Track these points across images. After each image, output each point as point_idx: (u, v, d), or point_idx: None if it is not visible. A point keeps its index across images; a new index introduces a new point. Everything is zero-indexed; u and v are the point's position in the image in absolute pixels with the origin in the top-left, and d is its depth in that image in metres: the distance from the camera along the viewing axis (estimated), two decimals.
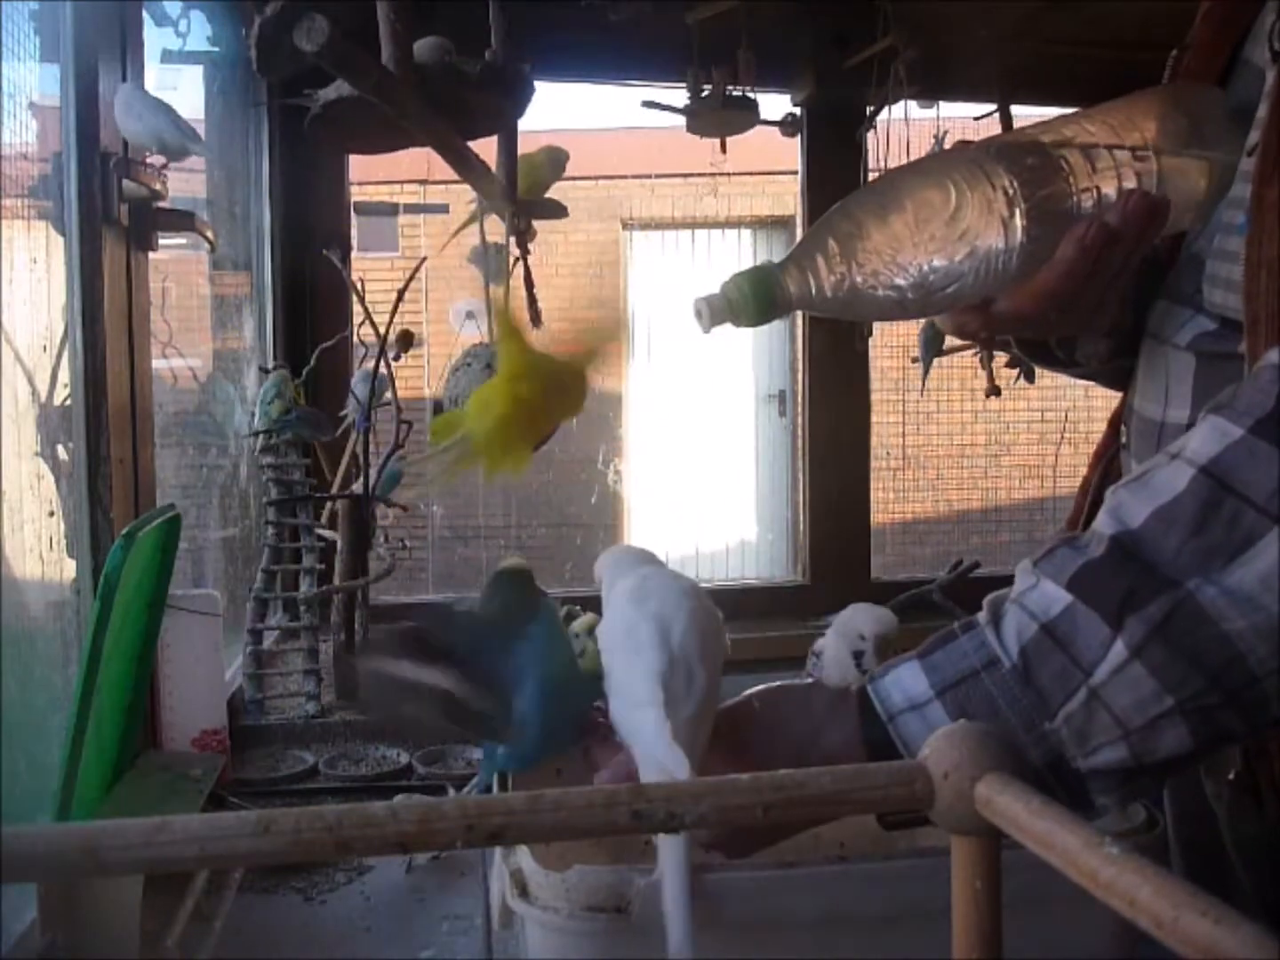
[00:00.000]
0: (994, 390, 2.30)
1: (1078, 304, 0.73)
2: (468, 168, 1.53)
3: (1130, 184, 0.70)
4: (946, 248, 0.68)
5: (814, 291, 0.68)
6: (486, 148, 1.66)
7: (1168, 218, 0.72)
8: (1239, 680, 0.56)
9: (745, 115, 2.09)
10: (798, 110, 2.38)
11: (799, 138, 2.40)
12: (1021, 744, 0.59)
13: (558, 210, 1.91)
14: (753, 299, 0.69)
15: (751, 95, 2.08)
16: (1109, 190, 0.70)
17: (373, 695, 0.85)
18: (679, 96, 2.12)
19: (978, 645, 0.63)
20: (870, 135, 2.34)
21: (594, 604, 2.38)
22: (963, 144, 0.74)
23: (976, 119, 2.37)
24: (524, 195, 1.80)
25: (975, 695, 0.61)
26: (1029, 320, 0.75)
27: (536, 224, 1.85)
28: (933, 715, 0.62)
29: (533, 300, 1.82)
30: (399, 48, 1.23)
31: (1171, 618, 0.57)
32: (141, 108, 1.29)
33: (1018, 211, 0.68)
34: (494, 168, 1.66)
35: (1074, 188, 0.70)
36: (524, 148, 1.75)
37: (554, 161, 1.89)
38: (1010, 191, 0.68)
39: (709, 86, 2.05)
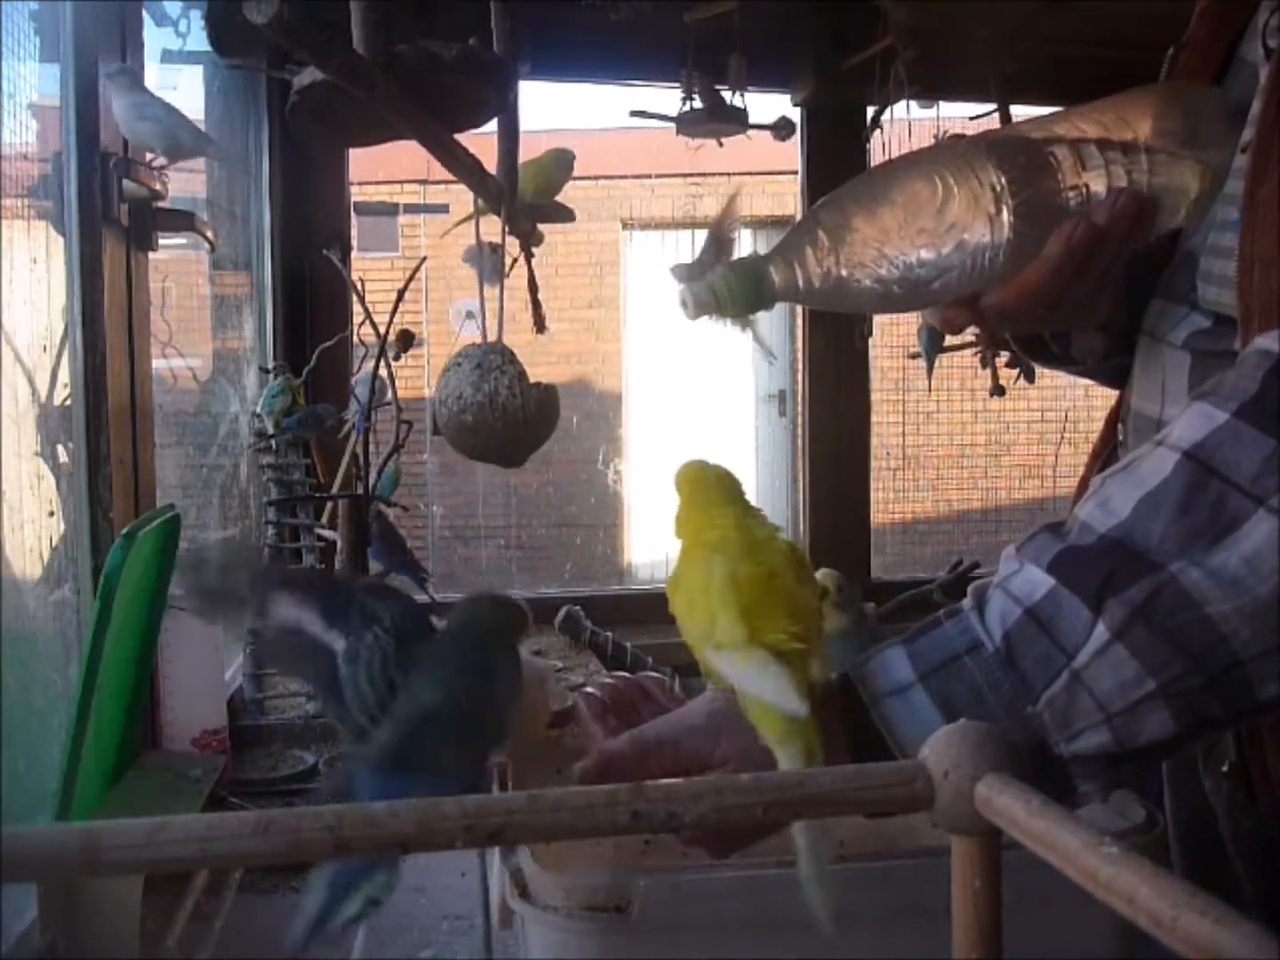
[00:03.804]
0: (998, 390, 2.29)
1: (1065, 301, 0.73)
2: (456, 161, 1.51)
3: (1120, 183, 0.70)
4: (934, 242, 0.68)
5: (801, 284, 0.68)
6: (488, 148, 1.66)
7: (1155, 218, 0.72)
8: (1222, 663, 0.56)
9: (733, 125, 2.10)
10: (792, 114, 2.38)
11: (798, 137, 2.40)
12: (1005, 728, 0.59)
13: (564, 214, 1.91)
14: (739, 292, 0.68)
15: (740, 103, 2.09)
16: (1098, 188, 0.70)
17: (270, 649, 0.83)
18: (677, 97, 2.12)
19: (961, 630, 0.63)
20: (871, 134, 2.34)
21: (593, 603, 2.37)
22: (955, 137, 0.74)
23: (972, 119, 2.38)
24: (533, 199, 1.80)
25: (958, 679, 0.61)
26: (1016, 316, 0.75)
27: (541, 226, 1.85)
28: (916, 699, 0.62)
29: (536, 304, 1.81)
30: (371, 30, 1.22)
31: (1153, 600, 0.57)
32: (156, 110, 1.29)
33: (1005, 208, 0.68)
34: (495, 168, 1.66)
35: (1063, 185, 0.70)
36: (525, 148, 1.75)
37: (561, 162, 1.89)
38: (998, 188, 0.68)
39: (700, 91, 2.06)
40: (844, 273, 0.68)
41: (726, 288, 0.68)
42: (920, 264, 0.68)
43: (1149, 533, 0.58)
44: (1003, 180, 0.68)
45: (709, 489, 0.69)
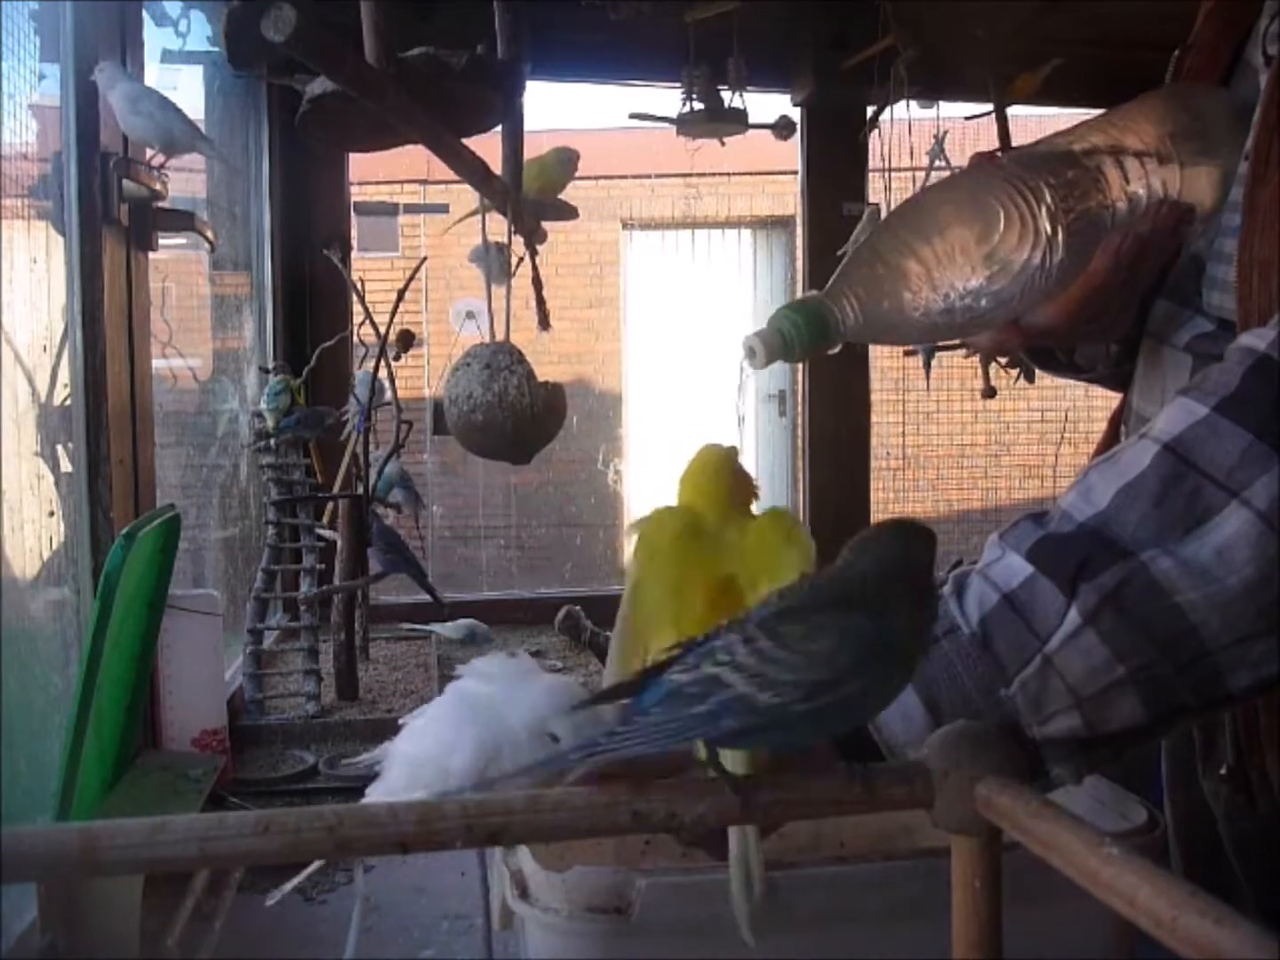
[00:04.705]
0: (990, 392, 2.29)
1: (1105, 313, 0.73)
2: (463, 164, 1.52)
3: (1158, 193, 0.70)
4: (995, 267, 0.68)
5: (864, 320, 0.68)
6: (492, 148, 1.66)
7: (1194, 225, 0.72)
8: (1191, 652, 0.57)
9: (733, 125, 2.10)
10: (792, 113, 2.38)
11: (799, 137, 2.40)
12: (979, 711, 0.60)
13: (567, 212, 1.91)
14: (807, 332, 0.67)
15: (740, 104, 2.09)
16: (1139, 195, 0.70)
17: None
18: (677, 97, 2.12)
19: (940, 615, 0.63)
20: (871, 134, 2.34)
21: (593, 603, 2.37)
22: (983, 156, 0.74)
23: (967, 119, 2.37)
24: (536, 197, 1.80)
25: (935, 661, 0.62)
26: (1060, 331, 0.75)
27: (545, 224, 1.86)
28: None
29: (541, 301, 1.82)
30: (381, 41, 1.22)
31: (1124, 587, 0.57)
32: (150, 105, 1.29)
33: (1059, 226, 0.68)
34: (499, 167, 1.66)
35: (1109, 198, 0.70)
36: (526, 148, 1.75)
37: (564, 162, 1.90)
38: (1053, 207, 0.68)
39: (700, 92, 2.06)
40: (907, 305, 0.67)
41: (794, 330, 0.68)
42: (984, 290, 0.68)
43: (1125, 522, 0.59)
44: (1056, 199, 0.68)
45: (700, 476, 0.67)
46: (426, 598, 2.08)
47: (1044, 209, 0.68)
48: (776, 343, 0.68)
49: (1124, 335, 0.84)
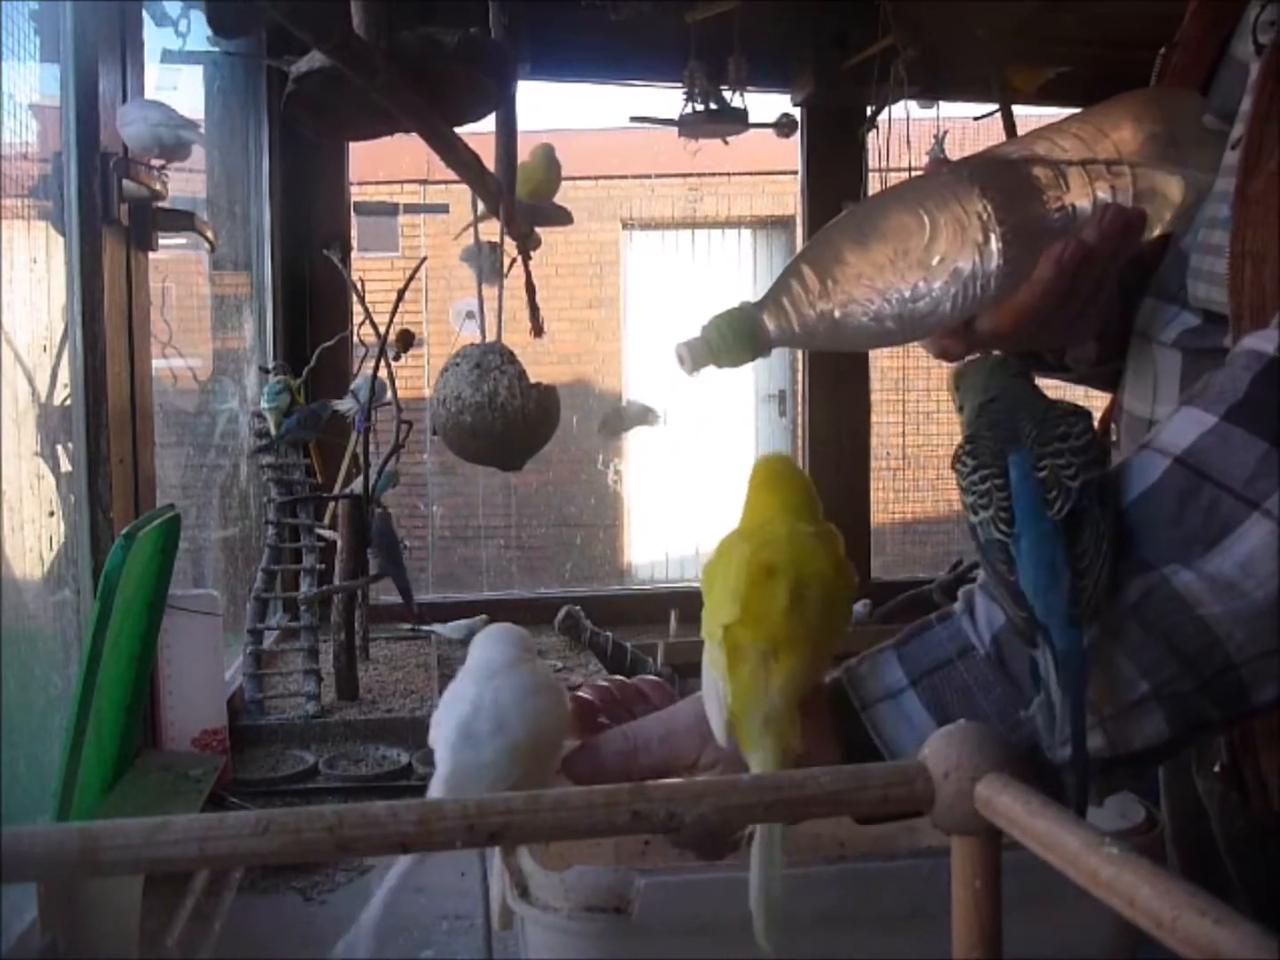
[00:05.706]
0: None
1: (1058, 319, 0.73)
2: (456, 157, 1.51)
3: (1105, 198, 0.70)
4: (925, 275, 0.68)
5: (796, 327, 0.68)
6: (485, 146, 1.66)
7: (1144, 230, 0.71)
8: (1215, 666, 0.56)
9: (734, 125, 2.11)
10: (793, 111, 2.39)
11: (799, 137, 2.41)
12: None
13: (562, 216, 1.91)
14: (733, 340, 0.68)
15: (740, 103, 2.10)
16: (1084, 205, 0.70)
17: None
18: (678, 97, 2.13)
19: (953, 634, 0.62)
20: (870, 134, 2.35)
21: (593, 603, 2.37)
22: (940, 162, 0.74)
23: (977, 119, 2.38)
24: (529, 201, 1.80)
25: (950, 683, 0.61)
26: (1009, 338, 0.75)
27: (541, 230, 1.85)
28: (907, 704, 0.62)
29: (534, 307, 1.81)
30: (371, 12, 1.21)
31: (1146, 600, 0.56)
32: (135, 112, 1.30)
33: (993, 235, 0.67)
34: (493, 168, 1.66)
35: (1049, 206, 0.70)
36: (524, 148, 1.75)
37: (547, 160, 1.89)
38: (984, 216, 0.68)
39: (702, 92, 2.07)
40: (837, 312, 0.68)
41: (720, 338, 0.68)
42: (914, 297, 0.68)
43: (1139, 538, 0.58)
44: (989, 208, 0.68)
45: (764, 483, 0.69)
46: (427, 597, 2.09)
47: (974, 216, 0.67)
48: (702, 350, 0.69)
49: (1101, 334, 0.84)
